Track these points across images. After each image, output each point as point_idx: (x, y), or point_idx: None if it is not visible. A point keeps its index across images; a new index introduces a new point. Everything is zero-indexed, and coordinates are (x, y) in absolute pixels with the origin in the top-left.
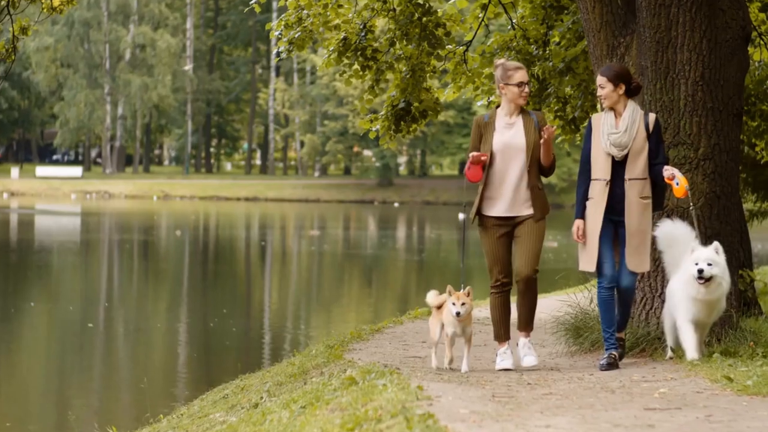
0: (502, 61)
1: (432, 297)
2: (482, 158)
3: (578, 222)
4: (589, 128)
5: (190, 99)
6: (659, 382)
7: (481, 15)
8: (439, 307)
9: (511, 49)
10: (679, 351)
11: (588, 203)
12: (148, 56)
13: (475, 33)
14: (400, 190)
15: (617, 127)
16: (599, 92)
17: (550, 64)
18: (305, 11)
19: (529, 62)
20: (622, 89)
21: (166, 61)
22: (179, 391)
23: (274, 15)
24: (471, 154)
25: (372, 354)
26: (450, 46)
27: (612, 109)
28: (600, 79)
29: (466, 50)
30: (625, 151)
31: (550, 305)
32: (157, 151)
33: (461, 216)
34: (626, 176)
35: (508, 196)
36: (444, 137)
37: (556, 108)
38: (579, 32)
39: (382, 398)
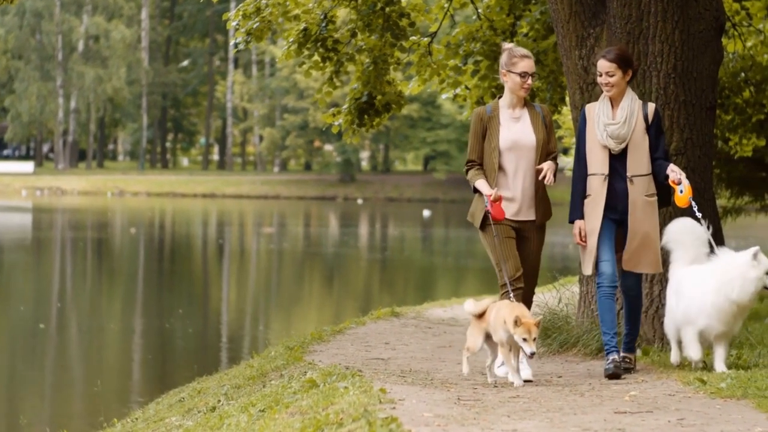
0: (510, 45)
1: (471, 306)
2: (500, 197)
3: (579, 223)
4: (583, 119)
5: (146, 92)
6: (630, 384)
7: (446, 5)
8: (481, 316)
9: (477, 40)
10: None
11: (586, 201)
12: (102, 48)
13: (440, 24)
14: (362, 186)
15: (615, 118)
16: (605, 80)
17: None
18: (264, 1)
19: (496, 54)
20: (629, 75)
21: (121, 52)
22: (134, 395)
23: (232, 5)
24: (486, 195)
25: (333, 356)
26: (414, 38)
27: (608, 97)
28: (607, 66)
29: (431, 42)
30: (623, 144)
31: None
32: (111, 146)
33: (426, 213)
34: (628, 173)
35: (518, 198)
36: (408, 131)
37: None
38: (548, 23)
39: (343, 401)
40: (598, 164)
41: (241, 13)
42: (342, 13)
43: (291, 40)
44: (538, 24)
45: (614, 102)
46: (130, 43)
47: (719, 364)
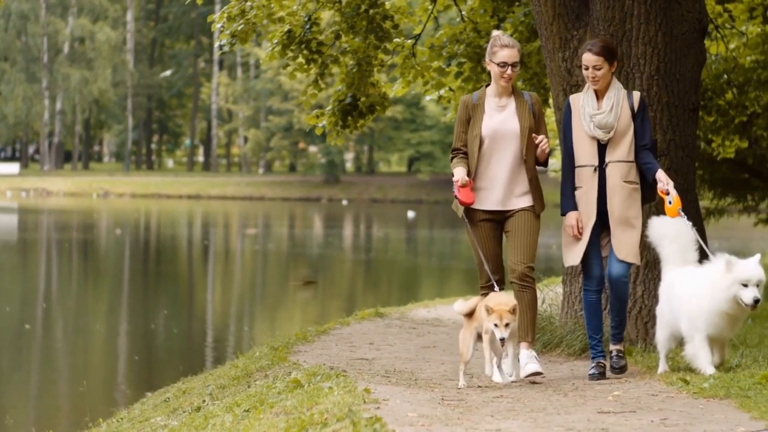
0: (497, 33)
1: (460, 305)
2: (468, 182)
3: (575, 214)
4: (568, 111)
5: (131, 93)
6: (613, 384)
7: (430, 7)
8: (470, 315)
9: (460, 42)
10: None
11: (577, 193)
12: (88, 49)
13: (424, 26)
14: (346, 187)
15: (600, 107)
16: (592, 73)
17: None
18: (248, 3)
19: (480, 56)
20: (615, 67)
21: (106, 54)
22: (119, 395)
23: (217, 7)
24: (455, 180)
25: (318, 356)
26: (398, 40)
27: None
28: (593, 59)
29: (415, 43)
30: (611, 133)
31: None
32: (96, 147)
33: (410, 214)
34: (606, 159)
35: (500, 188)
36: (392, 133)
37: None
38: (532, 25)
39: (328, 401)
40: (586, 155)
41: (225, 15)
42: (326, 15)
43: (275, 42)
44: (522, 26)
45: (599, 93)
46: (116, 45)
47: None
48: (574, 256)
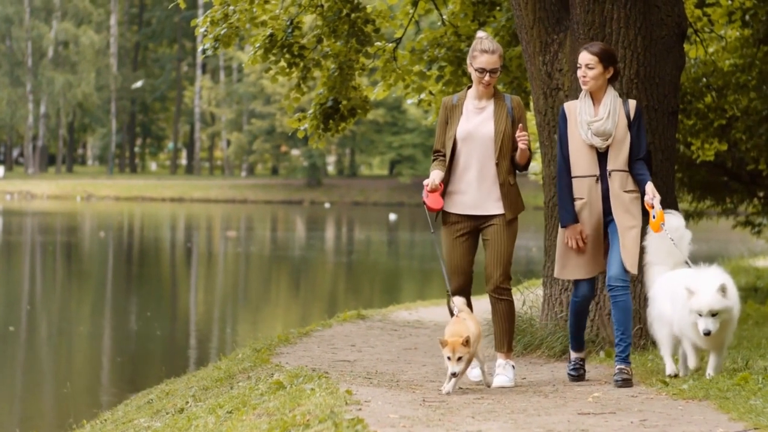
0: (481, 35)
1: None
2: (437, 187)
3: (577, 227)
4: (563, 118)
5: (114, 97)
6: (593, 386)
7: (411, 11)
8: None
9: (441, 46)
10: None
11: (577, 204)
12: (72, 53)
13: (405, 30)
14: (328, 190)
15: (597, 114)
16: (584, 72)
17: None
18: (231, 7)
19: (461, 59)
20: (610, 72)
21: (90, 58)
22: (103, 396)
23: (200, 11)
24: (425, 183)
25: (300, 358)
26: (379, 43)
27: (589, 94)
28: (588, 58)
29: (396, 47)
30: (609, 141)
31: (481, 308)
32: (80, 151)
33: (392, 217)
34: (608, 167)
35: (472, 192)
36: (374, 136)
37: None
38: (514, 29)
39: (310, 403)
40: (585, 165)
41: (209, 19)
42: (308, 20)
43: (258, 46)
44: (503, 31)
45: (595, 99)
46: (99, 49)
47: (709, 371)
48: (572, 270)
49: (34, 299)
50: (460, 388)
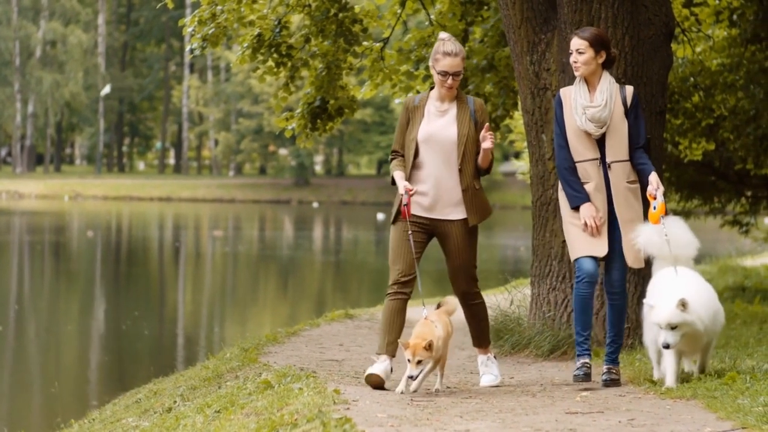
0: (444, 37)
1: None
2: (411, 193)
3: (591, 206)
4: (559, 104)
5: (102, 97)
6: (581, 385)
7: (399, 11)
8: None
9: (428, 46)
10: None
11: (587, 187)
12: (59, 53)
13: (393, 29)
14: (316, 189)
15: (593, 100)
16: (575, 58)
17: (474, 62)
18: (219, 7)
19: None
20: (602, 57)
21: (78, 58)
22: (91, 396)
23: (188, 11)
24: (406, 188)
25: (288, 357)
26: (367, 43)
27: (584, 80)
28: (578, 43)
29: (384, 47)
30: (604, 129)
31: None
32: (68, 150)
33: (380, 216)
34: (608, 159)
35: (431, 195)
36: (361, 136)
37: None
38: (502, 30)
39: (298, 402)
40: (585, 151)
41: (196, 19)
42: (296, 19)
43: (246, 45)
44: (492, 30)
45: (590, 85)
46: (87, 49)
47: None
48: (591, 247)
49: (22, 299)
50: (448, 387)
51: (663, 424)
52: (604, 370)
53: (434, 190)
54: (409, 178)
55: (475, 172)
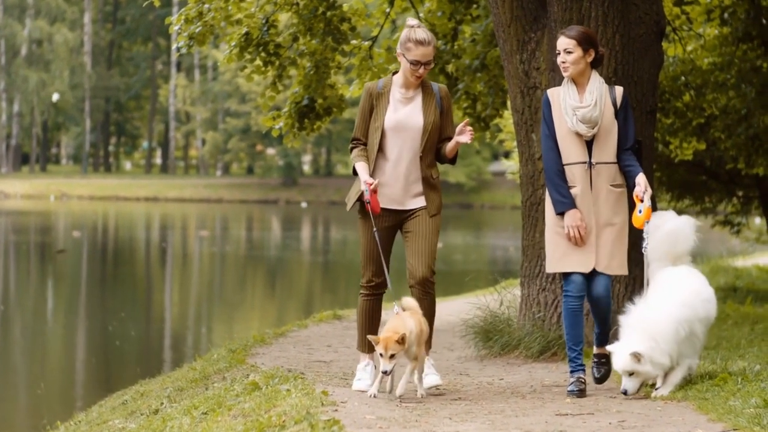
0: (414, 23)
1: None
2: (371, 187)
3: (576, 213)
4: (547, 105)
5: (89, 96)
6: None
7: (387, 9)
8: None
9: None
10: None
11: (572, 191)
12: (45, 52)
13: (381, 28)
14: (304, 189)
15: (583, 101)
16: (563, 58)
17: (466, 62)
18: (206, 5)
19: (436, 58)
20: (591, 56)
21: (64, 56)
22: (77, 397)
23: (175, 9)
24: (367, 184)
25: (275, 358)
26: (355, 42)
27: (573, 81)
28: (566, 42)
29: (372, 46)
30: (595, 129)
31: (458, 308)
32: (54, 150)
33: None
34: (593, 160)
35: (399, 185)
36: (350, 135)
37: (465, 105)
38: (492, 30)
39: (285, 404)
40: (574, 153)
41: (183, 17)
42: (284, 18)
43: (233, 44)
44: (484, 31)
45: (579, 85)
46: (73, 48)
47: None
48: (578, 263)
49: (8, 299)
50: (437, 388)
51: (654, 426)
52: (594, 359)
53: (401, 179)
54: (373, 167)
55: (433, 161)
